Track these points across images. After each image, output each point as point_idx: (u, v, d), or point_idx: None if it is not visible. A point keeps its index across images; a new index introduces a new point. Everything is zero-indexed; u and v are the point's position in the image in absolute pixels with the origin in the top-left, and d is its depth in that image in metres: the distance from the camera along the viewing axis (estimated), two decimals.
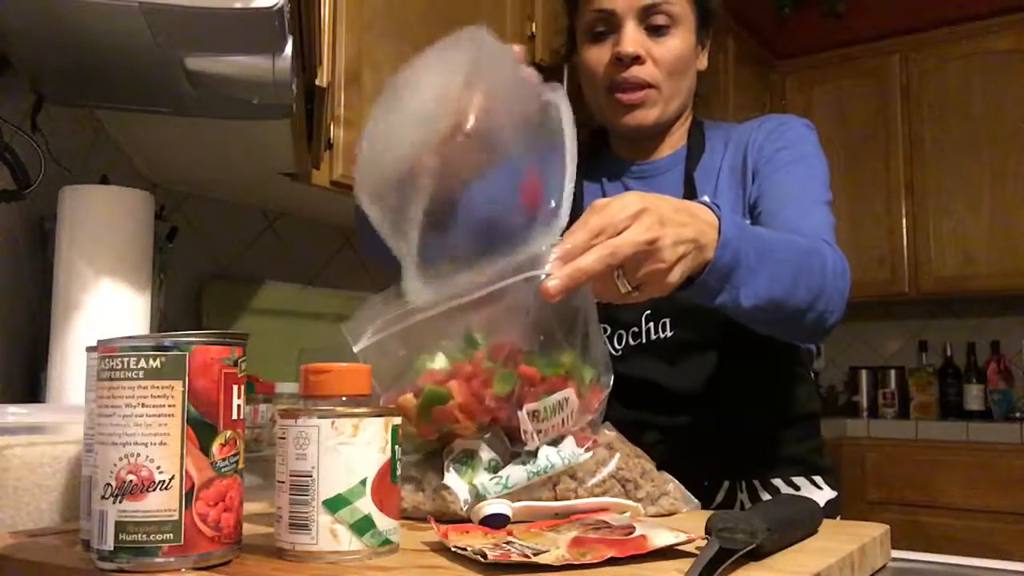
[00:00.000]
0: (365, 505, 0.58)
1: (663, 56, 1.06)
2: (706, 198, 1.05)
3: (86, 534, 0.61)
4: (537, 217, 0.75)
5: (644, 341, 1.05)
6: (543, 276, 0.70)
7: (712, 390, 1.04)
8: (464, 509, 0.71)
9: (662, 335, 1.04)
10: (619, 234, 0.70)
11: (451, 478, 0.72)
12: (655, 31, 1.06)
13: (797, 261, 0.87)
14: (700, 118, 1.18)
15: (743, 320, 0.87)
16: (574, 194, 1.12)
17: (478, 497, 0.71)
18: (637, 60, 1.05)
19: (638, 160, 1.16)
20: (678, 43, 1.07)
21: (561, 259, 0.70)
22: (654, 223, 0.72)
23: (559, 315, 0.75)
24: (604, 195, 1.13)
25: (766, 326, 0.91)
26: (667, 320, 1.04)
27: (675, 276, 0.75)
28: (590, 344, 0.77)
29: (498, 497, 0.70)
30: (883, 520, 0.75)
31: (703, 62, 1.14)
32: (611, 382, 0.79)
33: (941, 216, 3.51)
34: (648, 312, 1.04)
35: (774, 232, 0.92)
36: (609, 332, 1.06)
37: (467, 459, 0.73)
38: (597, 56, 1.08)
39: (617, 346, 1.06)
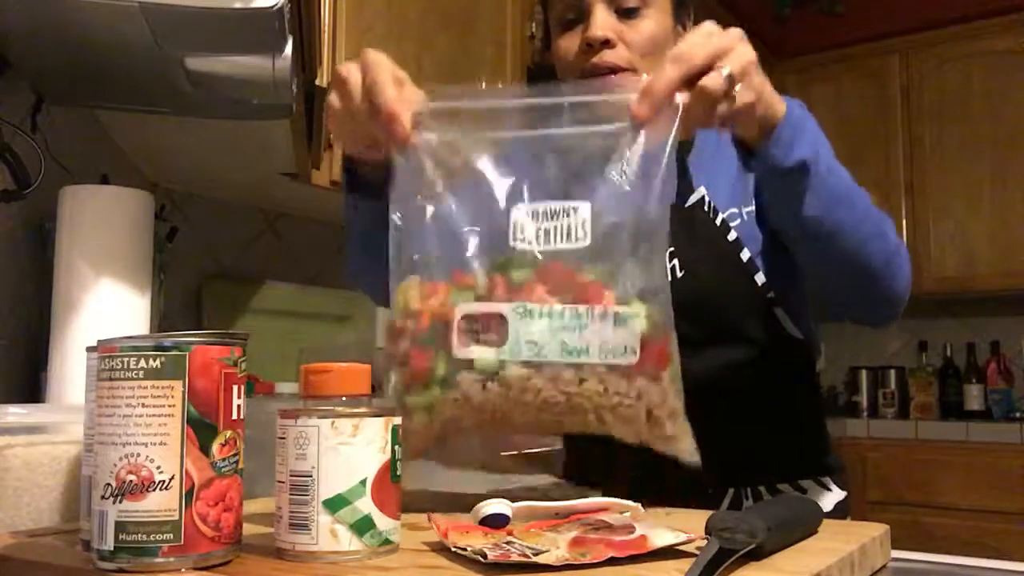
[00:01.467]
0: (365, 505, 0.58)
1: (635, 39, 1.03)
2: (703, 188, 1.04)
3: (86, 534, 0.61)
4: None
5: None
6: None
7: (711, 390, 1.01)
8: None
9: None
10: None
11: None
12: (626, 14, 1.03)
13: (852, 180, 0.89)
14: None
15: (817, 217, 0.85)
16: None
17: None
18: (607, 44, 1.02)
19: None
20: (651, 24, 1.04)
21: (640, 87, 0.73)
22: (731, 31, 0.76)
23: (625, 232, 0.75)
24: None
25: (842, 242, 0.88)
26: None
27: (760, 80, 0.76)
28: (652, 266, 0.76)
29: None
30: (883, 520, 0.75)
31: None
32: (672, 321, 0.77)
33: (941, 216, 3.51)
34: None
35: None
36: None
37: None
38: (568, 45, 1.05)
39: None
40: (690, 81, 0.74)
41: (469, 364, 0.72)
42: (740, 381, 1.03)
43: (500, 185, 0.76)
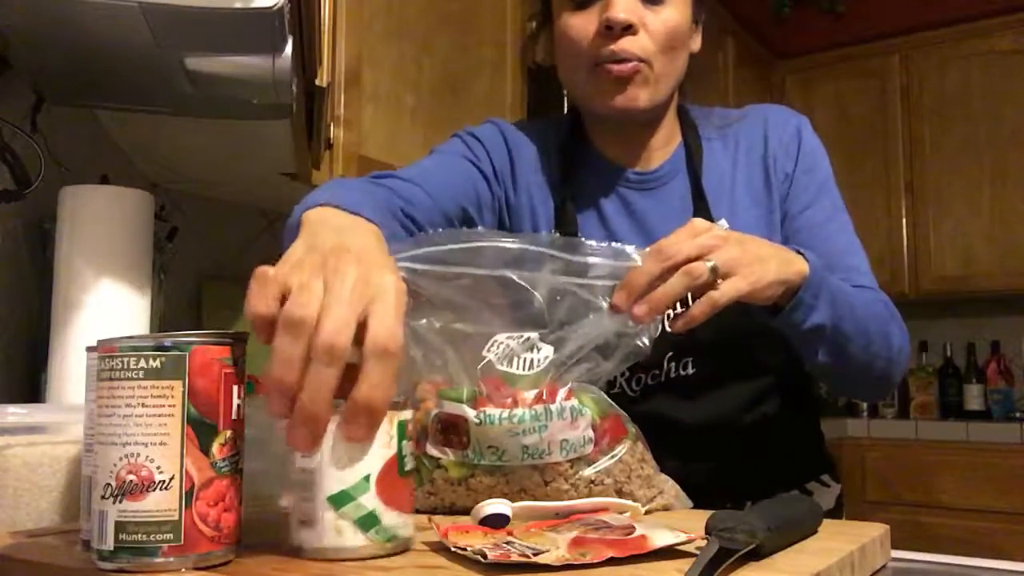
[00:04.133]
0: (370, 501, 0.57)
1: (658, 28, 0.94)
2: (723, 222, 0.99)
3: (86, 534, 0.61)
4: None
5: (663, 380, 0.98)
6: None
7: (725, 419, 1.00)
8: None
9: (682, 373, 0.98)
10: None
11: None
12: None
13: (865, 303, 0.90)
14: (683, 104, 1.08)
15: (821, 358, 0.87)
16: (567, 219, 1.04)
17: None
18: (629, 30, 0.93)
19: (633, 167, 1.04)
20: (675, 14, 0.95)
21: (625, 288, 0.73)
22: (721, 231, 0.75)
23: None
24: (603, 217, 1.03)
25: (840, 368, 0.90)
26: (689, 359, 0.98)
27: (768, 267, 0.77)
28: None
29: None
30: (883, 520, 0.75)
31: (696, 43, 1.03)
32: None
33: (941, 216, 3.51)
34: (671, 353, 0.97)
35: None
36: (628, 375, 0.98)
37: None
38: (582, 25, 0.95)
39: (635, 387, 0.98)
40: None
41: (442, 464, 0.76)
42: (758, 410, 1.02)
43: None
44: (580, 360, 0.76)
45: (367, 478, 0.57)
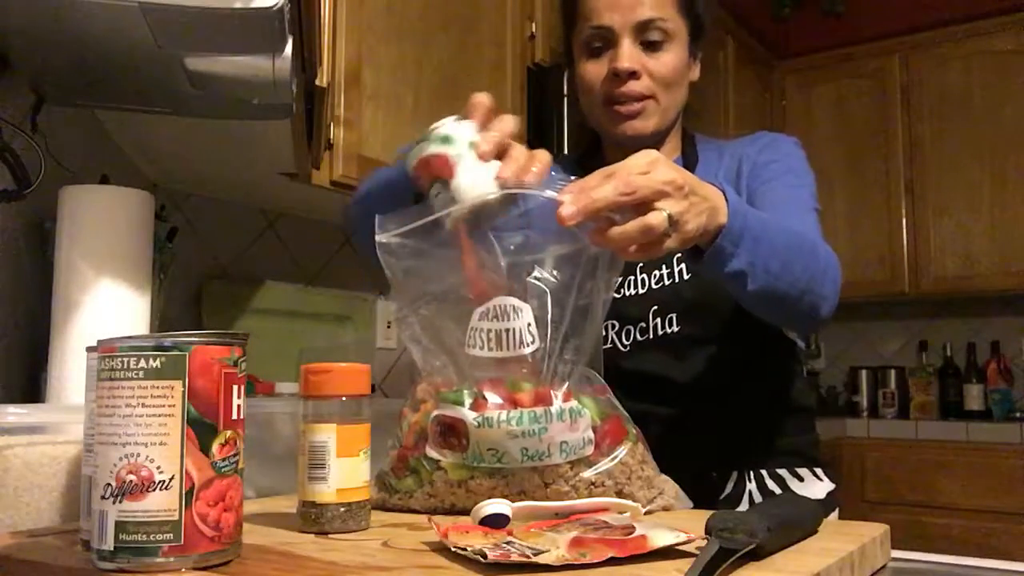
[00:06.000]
0: None
1: (658, 70, 1.10)
2: None
3: (86, 534, 0.61)
4: None
5: (651, 336, 1.08)
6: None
7: (716, 383, 1.08)
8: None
9: (669, 330, 1.07)
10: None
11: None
12: (650, 46, 1.09)
13: (792, 239, 0.92)
14: (692, 131, 1.22)
15: (748, 296, 0.89)
16: None
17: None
18: (633, 75, 1.09)
19: None
20: (672, 57, 1.10)
21: (574, 191, 0.72)
22: (671, 170, 0.75)
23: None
24: None
25: (767, 306, 0.93)
26: (673, 315, 1.07)
27: (702, 219, 0.77)
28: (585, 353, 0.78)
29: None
30: (883, 520, 0.75)
31: (695, 74, 1.18)
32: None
33: (941, 216, 3.51)
34: (655, 307, 1.08)
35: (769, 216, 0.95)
36: (617, 328, 1.09)
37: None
38: (594, 71, 1.12)
39: (625, 342, 1.09)
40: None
41: (441, 466, 0.76)
42: (740, 375, 1.09)
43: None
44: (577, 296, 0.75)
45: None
